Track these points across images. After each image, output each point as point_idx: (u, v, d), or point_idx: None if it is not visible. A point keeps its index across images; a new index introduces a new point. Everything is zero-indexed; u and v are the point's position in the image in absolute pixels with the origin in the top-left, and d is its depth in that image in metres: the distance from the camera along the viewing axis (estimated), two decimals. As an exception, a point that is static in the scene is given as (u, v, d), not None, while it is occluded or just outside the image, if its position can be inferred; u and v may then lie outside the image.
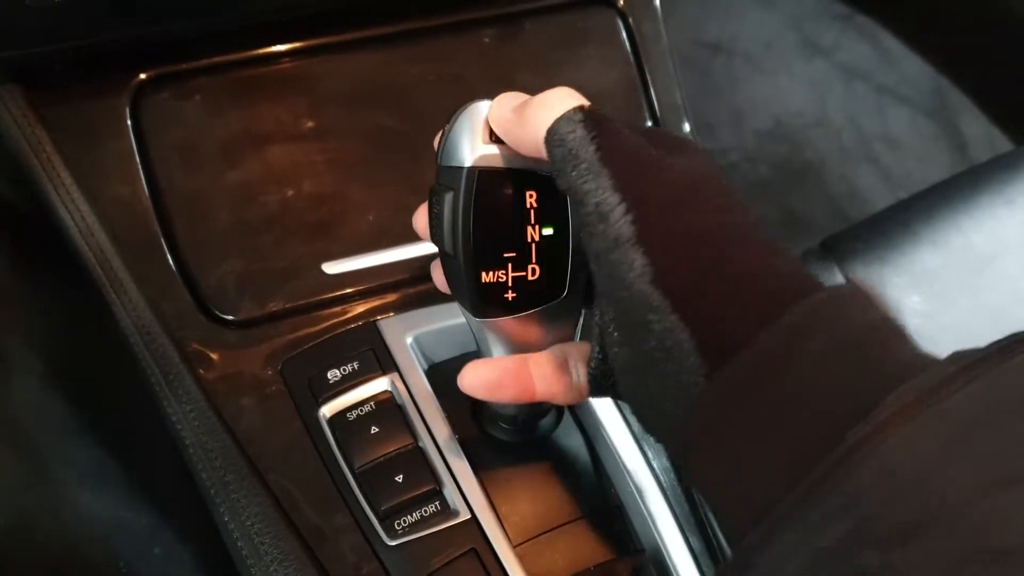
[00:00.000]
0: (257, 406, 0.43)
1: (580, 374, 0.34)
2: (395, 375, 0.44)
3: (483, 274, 0.33)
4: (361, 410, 0.42)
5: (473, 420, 0.44)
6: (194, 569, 0.49)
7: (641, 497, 0.43)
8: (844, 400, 0.23)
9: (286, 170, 0.49)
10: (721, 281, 0.26)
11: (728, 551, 0.44)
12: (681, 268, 0.27)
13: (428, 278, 0.40)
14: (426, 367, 0.45)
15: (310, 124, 0.50)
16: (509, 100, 0.32)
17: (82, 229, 0.45)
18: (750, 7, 1.26)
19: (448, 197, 0.33)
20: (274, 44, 0.51)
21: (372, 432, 0.42)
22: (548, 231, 0.33)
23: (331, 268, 0.47)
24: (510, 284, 0.34)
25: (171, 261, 0.46)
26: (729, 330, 0.26)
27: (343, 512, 0.41)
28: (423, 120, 0.51)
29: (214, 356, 0.44)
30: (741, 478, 0.25)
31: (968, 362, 0.22)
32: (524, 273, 0.34)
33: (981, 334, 0.25)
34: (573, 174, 0.28)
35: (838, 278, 0.61)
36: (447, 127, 0.34)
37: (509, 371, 0.35)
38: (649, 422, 0.30)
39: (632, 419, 0.45)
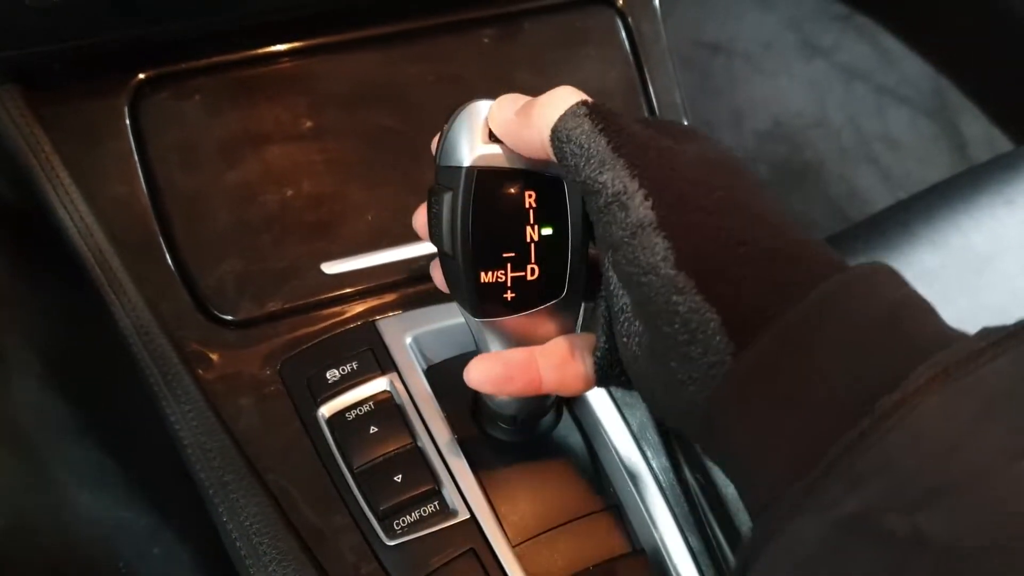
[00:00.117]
0: (256, 406, 0.43)
1: (587, 364, 0.34)
2: (394, 375, 0.44)
3: (482, 274, 0.33)
4: (360, 410, 0.42)
5: (472, 420, 0.44)
6: (193, 569, 0.49)
7: (640, 496, 0.43)
8: (875, 372, 0.23)
9: (285, 170, 0.49)
10: (745, 259, 0.27)
11: (728, 551, 0.44)
12: (704, 249, 0.27)
13: (427, 278, 0.40)
14: (425, 367, 0.45)
15: (309, 124, 0.50)
16: (509, 103, 0.32)
17: (81, 229, 0.45)
18: (749, 7, 1.26)
19: (447, 197, 0.33)
20: (273, 44, 0.51)
21: (371, 432, 0.42)
22: (547, 231, 0.33)
23: (330, 268, 0.47)
24: (509, 284, 0.34)
25: (170, 261, 0.46)
26: (756, 306, 0.26)
27: (342, 512, 0.41)
28: (422, 120, 0.51)
29: (213, 356, 0.44)
30: (767, 451, 0.25)
31: (996, 337, 0.23)
32: (523, 273, 0.34)
33: (981, 334, 0.25)
34: (586, 168, 0.28)
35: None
36: (446, 127, 0.34)
37: (516, 364, 0.34)
38: (664, 406, 0.30)
39: (631, 418, 0.45)
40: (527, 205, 0.33)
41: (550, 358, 0.35)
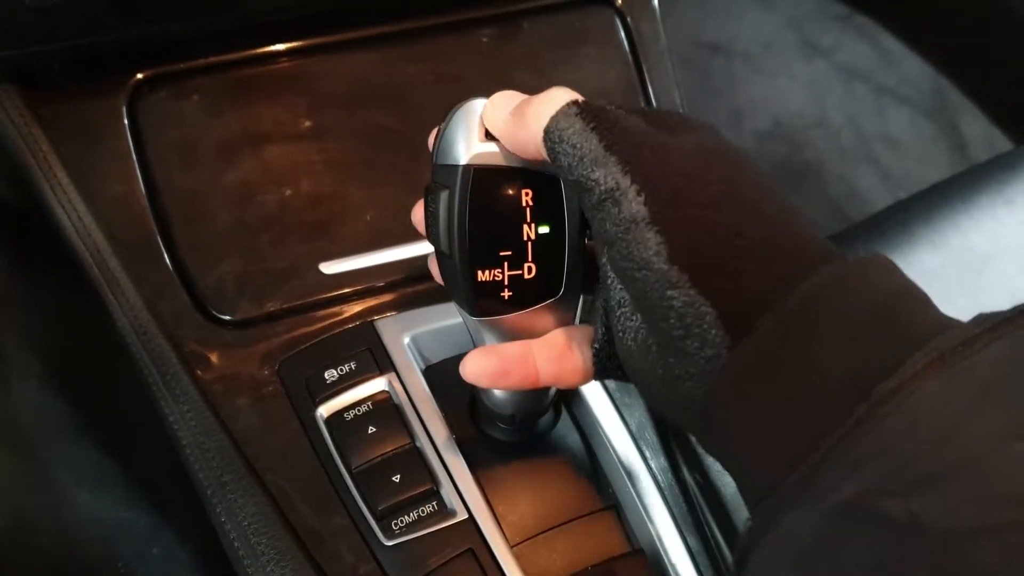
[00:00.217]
0: (254, 406, 0.43)
1: (585, 356, 0.34)
2: (392, 375, 0.44)
3: (479, 273, 0.33)
4: (358, 410, 0.42)
5: (470, 420, 0.44)
6: (193, 569, 0.49)
7: (639, 496, 0.42)
8: (872, 362, 0.24)
9: (284, 170, 0.49)
10: (739, 251, 0.27)
11: (726, 550, 0.44)
12: (699, 243, 0.27)
13: (425, 278, 0.40)
14: (423, 367, 0.45)
15: (308, 124, 0.50)
16: (503, 102, 0.32)
17: (79, 229, 0.45)
18: (749, 7, 1.26)
19: (443, 195, 0.33)
20: (272, 44, 0.51)
21: (369, 432, 0.42)
22: (544, 229, 0.33)
23: (329, 268, 0.47)
24: (506, 283, 0.34)
25: (168, 261, 0.46)
26: (754, 299, 0.26)
27: (340, 512, 0.41)
28: (421, 120, 0.50)
29: (211, 356, 0.44)
30: (765, 443, 0.25)
31: (992, 323, 0.23)
32: (520, 271, 0.34)
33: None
34: (579, 166, 0.28)
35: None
36: (442, 125, 0.34)
37: (512, 357, 0.34)
38: (661, 400, 0.30)
39: (630, 418, 0.45)
40: (524, 203, 0.33)
41: (548, 350, 0.34)
